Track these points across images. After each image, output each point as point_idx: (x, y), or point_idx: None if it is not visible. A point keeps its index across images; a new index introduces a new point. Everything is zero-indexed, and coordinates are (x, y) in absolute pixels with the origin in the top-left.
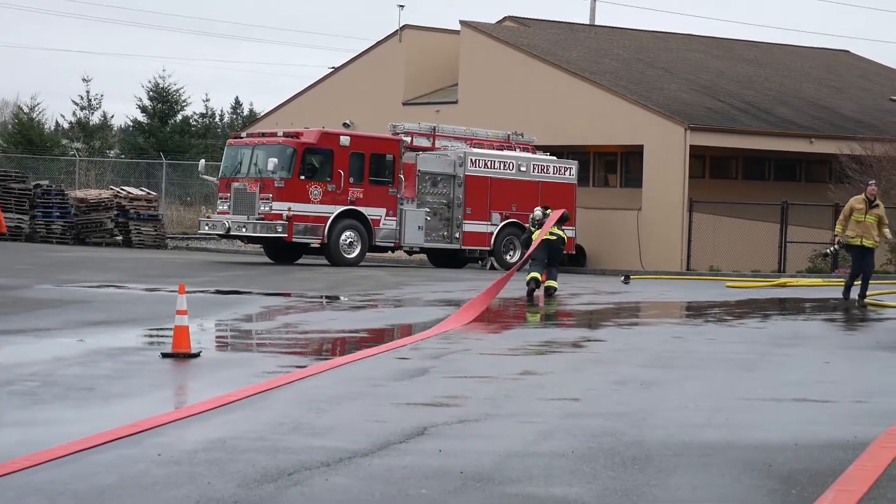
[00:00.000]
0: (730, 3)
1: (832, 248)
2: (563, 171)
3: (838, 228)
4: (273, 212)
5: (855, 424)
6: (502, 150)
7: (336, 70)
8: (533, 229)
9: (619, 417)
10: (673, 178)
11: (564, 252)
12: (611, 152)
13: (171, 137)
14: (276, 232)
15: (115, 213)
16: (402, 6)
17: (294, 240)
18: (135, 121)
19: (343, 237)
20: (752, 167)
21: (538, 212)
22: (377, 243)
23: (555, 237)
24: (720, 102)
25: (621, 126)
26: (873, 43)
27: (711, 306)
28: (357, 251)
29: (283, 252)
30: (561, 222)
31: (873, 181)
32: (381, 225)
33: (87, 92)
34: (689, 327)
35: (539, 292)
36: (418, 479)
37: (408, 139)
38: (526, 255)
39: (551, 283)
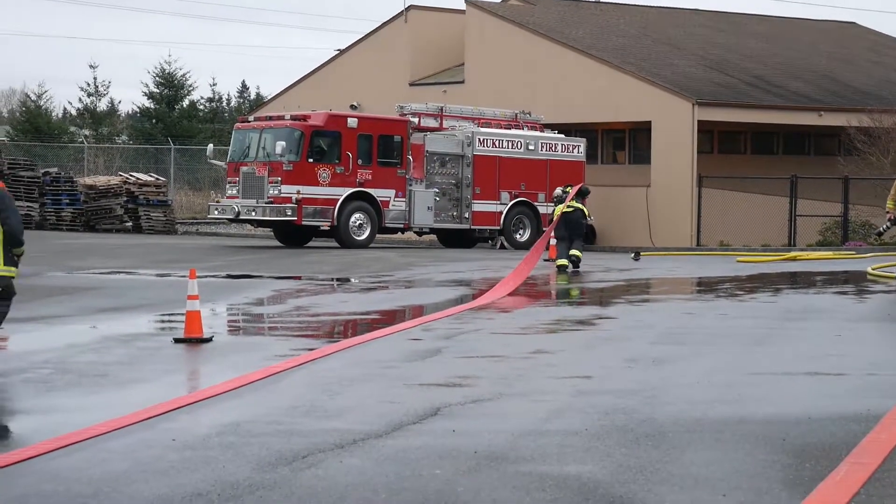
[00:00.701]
0: None
1: (886, 226)
2: (571, 148)
3: (889, 205)
4: (282, 195)
5: (867, 397)
6: (510, 129)
7: (342, 52)
8: (557, 208)
9: (632, 394)
10: (681, 153)
11: (585, 223)
12: (619, 129)
13: (178, 122)
14: (286, 215)
15: (125, 199)
16: None
17: (304, 223)
18: (142, 106)
19: (352, 219)
20: (760, 141)
21: (559, 191)
22: (386, 225)
23: (572, 209)
24: (728, 77)
25: (629, 102)
26: (882, 14)
27: (722, 281)
28: (367, 233)
29: (292, 235)
30: (580, 196)
31: None
32: (390, 206)
33: (95, 78)
34: (700, 303)
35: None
36: (432, 459)
37: (415, 120)
38: (547, 232)
39: (574, 251)
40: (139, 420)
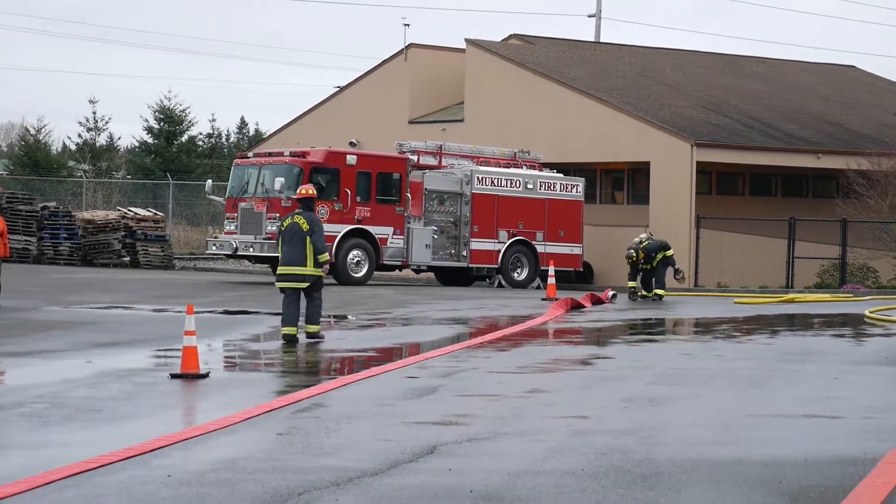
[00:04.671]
0: (735, 20)
1: None
2: (569, 188)
3: None
4: None
5: (865, 441)
6: (509, 167)
7: (342, 89)
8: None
9: (628, 435)
10: (680, 194)
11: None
12: (617, 169)
13: (177, 157)
14: None
15: (123, 234)
16: (408, 25)
17: None
18: (141, 141)
19: (350, 256)
20: (759, 183)
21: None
22: (384, 262)
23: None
24: (726, 118)
25: (628, 142)
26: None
27: (720, 322)
28: (364, 270)
29: None
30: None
31: None
32: (388, 244)
33: (94, 113)
34: (697, 344)
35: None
36: (428, 498)
37: (414, 158)
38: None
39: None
40: (134, 455)
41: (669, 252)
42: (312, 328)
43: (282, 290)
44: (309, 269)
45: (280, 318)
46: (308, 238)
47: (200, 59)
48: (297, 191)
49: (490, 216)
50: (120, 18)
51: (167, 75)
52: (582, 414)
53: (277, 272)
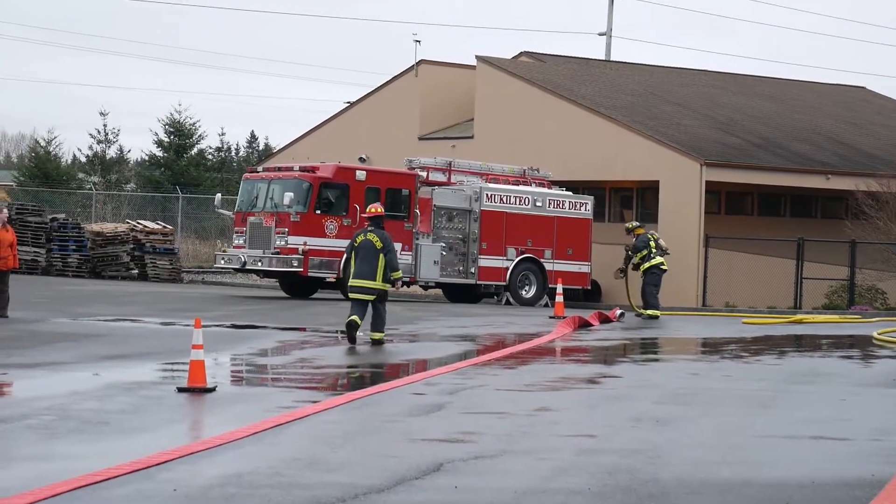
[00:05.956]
0: (745, 40)
1: None
2: (578, 206)
3: None
4: (289, 246)
5: (872, 463)
6: (518, 185)
7: (352, 105)
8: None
9: (635, 454)
10: (689, 213)
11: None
12: (626, 188)
13: (186, 170)
14: (292, 266)
15: (131, 246)
16: (419, 41)
17: (310, 274)
18: (151, 154)
19: None
20: (768, 203)
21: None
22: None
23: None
24: (736, 138)
25: (637, 161)
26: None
27: (727, 342)
28: None
29: (298, 286)
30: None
31: None
32: None
33: (104, 126)
34: (705, 364)
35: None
36: None
37: (423, 174)
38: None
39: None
40: (140, 469)
41: (657, 261)
42: (377, 335)
43: (351, 299)
44: (377, 284)
45: (289, 332)
46: (381, 255)
47: (211, 73)
48: (367, 209)
49: (499, 233)
50: (132, 31)
51: (178, 88)
52: (589, 433)
53: (349, 284)
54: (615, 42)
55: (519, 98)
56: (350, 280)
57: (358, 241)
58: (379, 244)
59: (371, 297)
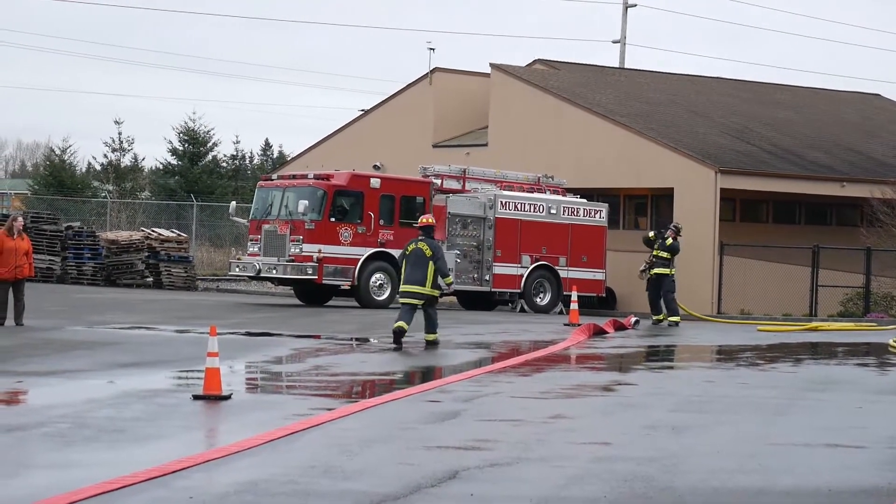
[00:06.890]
0: (760, 47)
1: None
2: (593, 213)
3: None
4: (303, 254)
5: (888, 471)
6: (532, 192)
7: (366, 112)
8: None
9: (651, 462)
10: (704, 221)
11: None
12: (641, 195)
13: (200, 178)
14: (307, 274)
15: (146, 254)
16: (433, 49)
17: (324, 282)
18: (166, 163)
19: (373, 279)
20: (782, 210)
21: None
22: None
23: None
24: (750, 145)
25: (651, 168)
26: None
27: (743, 350)
28: (387, 293)
29: (313, 294)
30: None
31: None
32: None
33: (119, 134)
34: (720, 371)
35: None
36: None
37: (438, 181)
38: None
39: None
40: (156, 476)
41: (666, 270)
42: (431, 336)
43: (401, 303)
44: (427, 290)
45: (304, 339)
46: (431, 262)
47: (226, 81)
48: (419, 220)
49: (513, 241)
50: (146, 40)
51: (192, 97)
52: (604, 440)
53: (400, 289)
54: (629, 50)
55: (533, 105)
56: (401, 285)
57: (409, 249)
58: (429, 252)
59: (420, 302)
